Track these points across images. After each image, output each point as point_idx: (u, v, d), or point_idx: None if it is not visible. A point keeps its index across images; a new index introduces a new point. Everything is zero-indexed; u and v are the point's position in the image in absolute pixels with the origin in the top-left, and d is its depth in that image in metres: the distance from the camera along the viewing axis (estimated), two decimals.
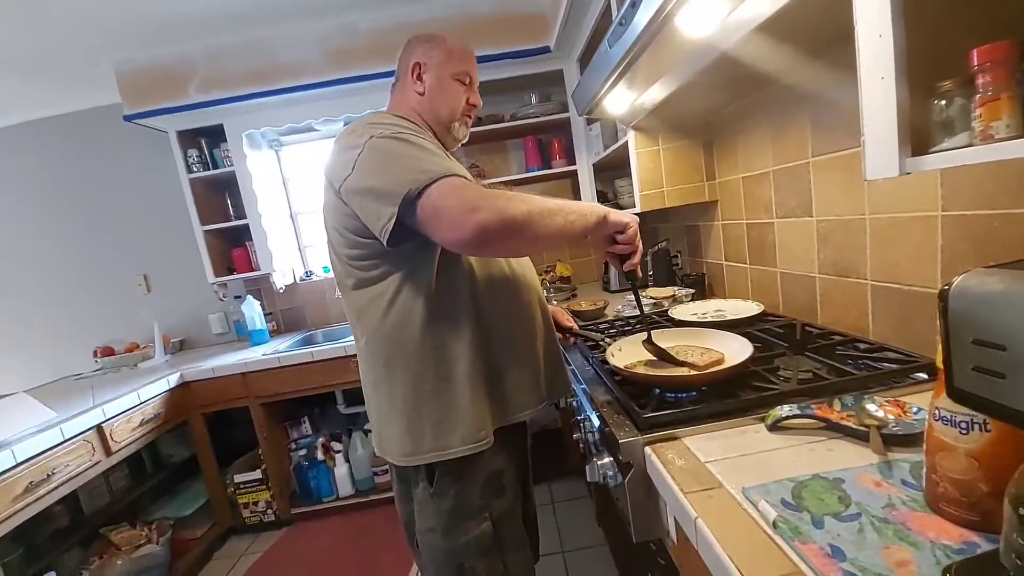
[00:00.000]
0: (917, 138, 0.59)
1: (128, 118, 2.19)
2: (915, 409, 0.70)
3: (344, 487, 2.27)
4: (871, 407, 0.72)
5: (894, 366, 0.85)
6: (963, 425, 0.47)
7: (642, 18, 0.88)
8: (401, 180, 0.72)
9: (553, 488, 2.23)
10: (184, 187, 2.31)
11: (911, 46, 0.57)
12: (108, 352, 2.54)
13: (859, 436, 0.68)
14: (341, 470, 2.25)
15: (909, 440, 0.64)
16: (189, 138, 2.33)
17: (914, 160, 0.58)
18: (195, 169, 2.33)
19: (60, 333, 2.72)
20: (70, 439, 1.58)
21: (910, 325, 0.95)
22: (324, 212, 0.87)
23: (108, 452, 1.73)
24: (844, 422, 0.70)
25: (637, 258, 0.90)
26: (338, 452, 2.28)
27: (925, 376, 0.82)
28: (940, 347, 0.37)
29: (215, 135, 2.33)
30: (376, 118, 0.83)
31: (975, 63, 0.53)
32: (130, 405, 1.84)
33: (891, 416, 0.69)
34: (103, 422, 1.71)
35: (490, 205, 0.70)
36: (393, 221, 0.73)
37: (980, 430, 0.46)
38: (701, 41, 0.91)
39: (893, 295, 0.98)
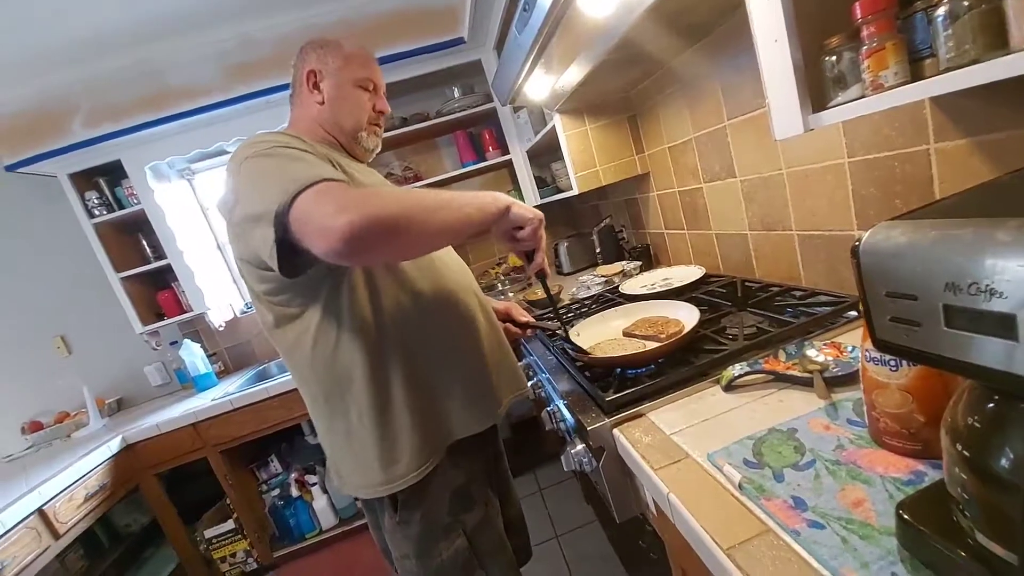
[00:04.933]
0: (816, 94, 0.62)
1: (9, 168, 1.95)
2: (850, 348, 0.74)
3: (326, 519, 2.18)
4: (811, 352, 0.76)
5: (827, 309, 0.90)
6: (892, 363, 0.50)
7: (544, 1, 0.87)
8: (270, 196, 0.65)
9: (538, 475, 2.25)
10: (89, 234, 2.10)
11: (799, 7, 0.59)
12: (36, 427, 2.29)
13: (805, 383, 0.71)
14: (320, 502, 2.16)
15: (849, 379, 0.68)
16: (84, 179, 2.11)
17: (815, 116, 0.60)
18: (98, 213, 2.11)
19: None
20: (12, 529, 1.45)
21: (836, 268, 1.01)
22: (232, 246, 0.80)
23: (56, 535, 1.59)
24: (790, 371, 0.74)
25: (540, 257, 0.87)
26: (314, 485, 2.18)
27: (855, 313, 0.88)
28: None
29: (115, 172, 2.12)
30: (257, 138, 0.76)
31: (858, 16, 0.55)
32: (69, 481, 1.68)
33: (830, 358, 0.73)
34: (43, 505, 1.56)
35: (359, 206, 0.62)
36: (274, 244, 0.65)
37: (908, 365, 0.49)
38: (605, 20, 0.91)
39: (817, 242, 1.04)
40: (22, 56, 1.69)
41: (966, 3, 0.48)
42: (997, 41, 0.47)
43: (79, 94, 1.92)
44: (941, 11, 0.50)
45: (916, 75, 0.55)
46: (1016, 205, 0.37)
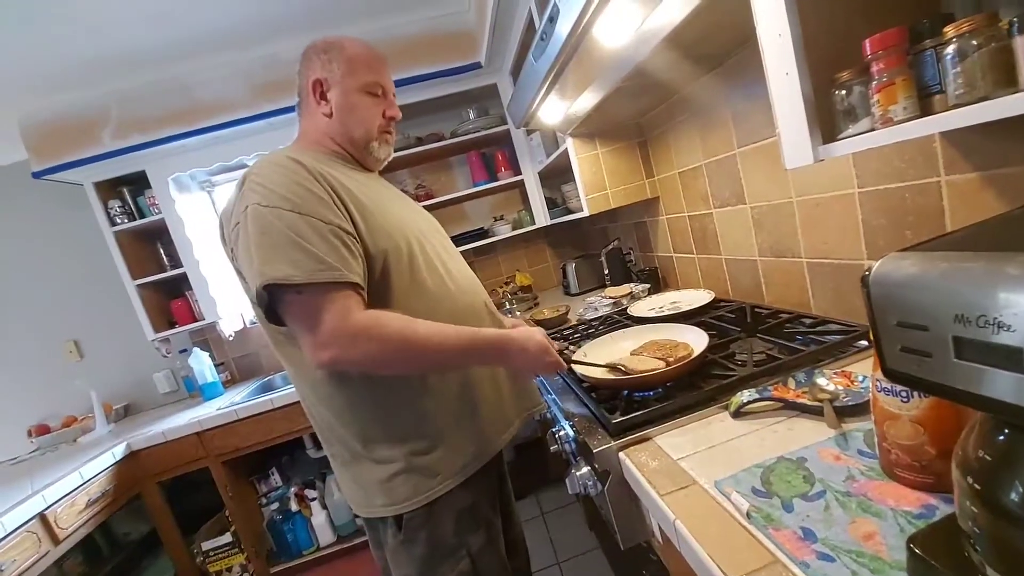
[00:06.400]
0: (826, 126, 0.63)
1: (37, 175, 2.02)
2: (861, 378, 0.74)
3: (324, 536, 2.15)
4: (822, 381, 0.75)
5: (837, 337, 0.90)
6: (903, 394, 0.49)
7: (562, 31, 0.90)
8: (262, 269, 0.68)
9: (541, 499, 2.21)
10: (109, 241, 2.15)
11: (809, 42, 0.60)
12: (43, 430, 2.31)
13: (815, 412, 0.70)
14: (319, 518, 2.14)
15: (859, 409, 0.68)
16: (109, 188, 2.18)
17: (825, 147, 0.61)
18: (119, 221, 2.17)
19: None
20: (12, 532, 1.45)
21: (846, 296, 1.01)
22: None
23: (56, 541, 1.58)
24: (800, 400, 0.73)
25: (563, 368, 0.88)
26: (313, 500, 2.16)
27: (866, 343, 0.87)
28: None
29: (138, 182, 2.19)
30: (264, 171, 0.73)
31: (868, 52, 0.57)
32: (72, 487, 1.68)
33: (841, 388, 0.73)
34: (45, 509, 1.56)
35: (345, 348, 0.68)
36: (262, 311, 0.72)
37: (920, 396, 0.49)
38: (620, 49, 0.94)
39: (826, 270, 1.04)
40: (58, 69, 1.77)
41: (975, 42, 0.49)
42: (1006, 79, 0.47)
43: (110, 106, 2.00)
44: (950, 49, 0.51)
45: (925, 110, 0.55)
46: None
